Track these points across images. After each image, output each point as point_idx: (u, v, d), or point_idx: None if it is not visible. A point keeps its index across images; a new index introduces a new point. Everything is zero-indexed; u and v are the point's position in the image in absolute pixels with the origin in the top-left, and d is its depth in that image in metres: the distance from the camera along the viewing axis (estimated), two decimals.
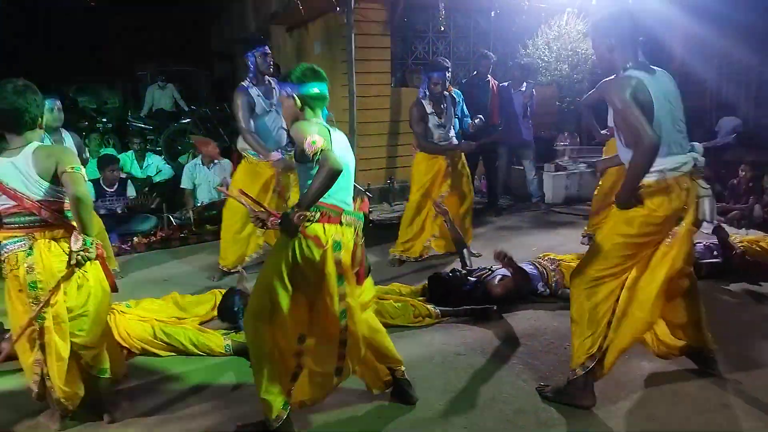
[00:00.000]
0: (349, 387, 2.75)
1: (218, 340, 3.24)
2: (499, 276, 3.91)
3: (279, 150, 4.26)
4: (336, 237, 2.38)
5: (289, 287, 2.37)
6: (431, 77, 4.58)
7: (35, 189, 2.37)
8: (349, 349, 2.47)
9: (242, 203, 2.63)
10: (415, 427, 2.58)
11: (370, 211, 2.60)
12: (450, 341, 3.39)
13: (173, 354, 3.25)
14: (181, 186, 6.23)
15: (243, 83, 4.29)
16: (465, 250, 4.38)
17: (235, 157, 5.56)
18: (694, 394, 2.77)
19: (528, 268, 3.97)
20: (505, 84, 6.37)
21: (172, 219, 5.84)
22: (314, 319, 2.45)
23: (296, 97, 2.46)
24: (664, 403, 2.71)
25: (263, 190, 4.30)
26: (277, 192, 4.36)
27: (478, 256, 4.64)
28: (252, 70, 4.28)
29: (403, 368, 2.72)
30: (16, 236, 2.40)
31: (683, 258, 2.58)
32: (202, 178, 6.16)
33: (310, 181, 2.32)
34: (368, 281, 2.61)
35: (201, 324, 3.53)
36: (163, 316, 3.48)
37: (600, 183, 5.01)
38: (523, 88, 6.31)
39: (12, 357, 2.75)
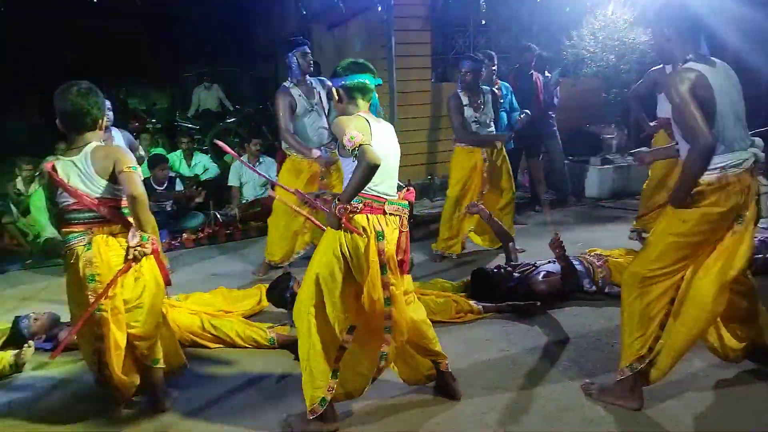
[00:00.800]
0: (392, 380, 2.78)
1: (263, 332, 3.32)
2: (544, 272, 3.85)
3: (320, 147, 4.31)
4: (379, 227, 2.42)
5: (338, 279, 2.41)
6: (461, 67, 4.54)
7: (94, 187, 2.48)
8: (394, 337, 2.49)
9: (288, 194, 2.76)
10: (458, 421, 2.57)
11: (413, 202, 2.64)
12: (492, 337, 3.37)
13: (221, 346, 3.35)
14: (228, 184, 6.40)
15: (285, 84, 4.36)
16: (511, 244, 4.33)
17: (280, 156, 5.66)
18: (749, 395, 2.66)
19: (573, 264, 3.89)
20: (549, 76, 6.25)
21: (218, 216, 6.00)
22: (360, 308, 2.48)
23: (340, 90, 2.51)
24: (717, 404, 2.62)
25: (309, 183, 4.37)
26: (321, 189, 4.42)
27: (521, 252, 4.57)
28: (293, 70, 4.35)
29: (447, 362, 2.72)
30: (76, 231, 2.52)
31: (743, 257, 2.46)
32: (248, 176, 6.31)
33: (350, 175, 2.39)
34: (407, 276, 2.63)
35: (247, 317, 3.63)
36: (211, 309, 3.59)
37: (649, 176, 4.86)
38: (549, 77, 6.18)
39: (72, 347, 2.89)
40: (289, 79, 4.38)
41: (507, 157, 4.84)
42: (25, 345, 3.22)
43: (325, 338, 2.44)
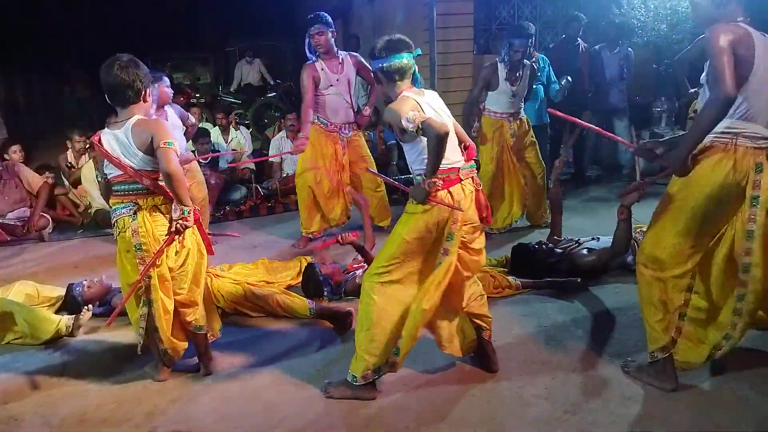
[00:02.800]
0: (430, 350, 2.80)
1: (303, 303, 3.38)
2: (587, 249, 3.77)
3: (345, 125, 4.43)
4: (458, 197, 2.45)
5: (417, 252, 2.46)
6: (512, 44, 4.42)
7: (134, 159, 2.54)
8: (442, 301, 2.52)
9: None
10: (494, 394, 2.58)
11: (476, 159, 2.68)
12: (531, 313, 3.34)
13: (262, 315, 3.43)
14: (269, 159, 6.48)
15: (311, 57, 4.38)
16: (559, 218, 4.22)
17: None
18: None
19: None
20: (596, 47, 6.02)
21: (260, 189, 6.13)
22: (424, 277, 2.51)
23: (379, 73, 2.49)
24: (756, 386, 2.53)
25: (333, 157, 4.48)
26: (347, 163, 4.53)
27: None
28: (309, 48, 4.37)
29: (490, 330, 2.72)
30: (123, 202, 2.60)
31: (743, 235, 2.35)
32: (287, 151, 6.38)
33: (419, 156, 2.42)
34: None
35: (287, 288, 3.70)
36: (253, 279, 3.69)
37: None
38: (617, 50, 5.95)
39: (123, 313, 3.02)
40: (313, 53, 4.39)
41: (533, 132, 4.74)
42: (84, 308, 3.39)
43: (390, 311, 2.47)
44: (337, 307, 3.36)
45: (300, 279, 3.82)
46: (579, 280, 3.59)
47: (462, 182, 2.49)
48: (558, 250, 3.81)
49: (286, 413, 2.51)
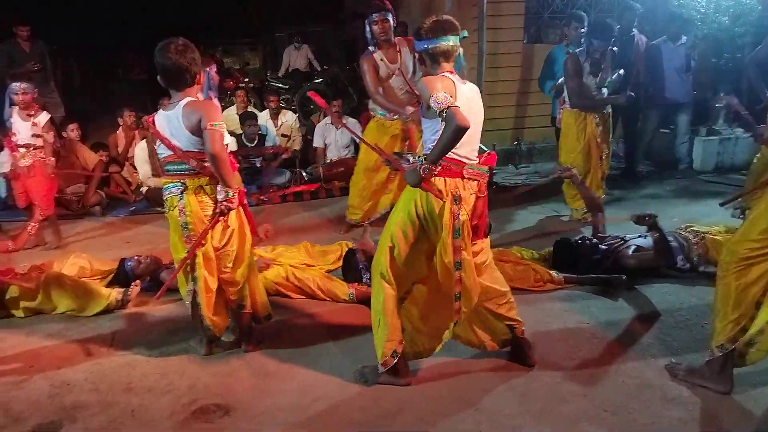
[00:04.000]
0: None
1: (343, 287, 3.42)
2: (634, 246, 3.66)
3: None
4: (456, 191, 2.40)
5: (409, 238, 2.44)
6: (592, 44, 4.38)
7: (183, 140, 2.61)
8: (463, 302, 2.49)
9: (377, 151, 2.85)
10: (530, 388, 2.55)
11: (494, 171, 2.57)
12: (572, 308, 3.28)
13: (302, 297, 3.49)
14: (313, 145, 6.55)
15: (369, 48, 4.36)
16: (600, 215, 4.15)
17: (364, 117, 5.70)
18: None
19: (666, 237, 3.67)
20: (656, 41, 5.80)
21: (303, 174, 6.20)
22: (432, 270, 2.49)
23: (423, 54, 2.47)
24: None
25: (391, 146, 4.41)
26: (406, 148, 4.45)
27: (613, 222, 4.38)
28: (369, 38, 4.34)
29: (523, 327, 2.69)
30: (172, 181, 2.69)
31: None
32: (331, 137, 6.43)
33: (433, 135, 2.36)
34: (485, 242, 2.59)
35: (327, 272, 3.75)
36: (295, 262, 3.75)
37: (761, 152, 4.45)
38: (684, 40, 5.73)
39: (173, 288, 3.12)
40: (372, 43, 4.36)
41: (611, 124, 4.64)
42: (133, 284, 3.52)
43: (394, 295, 2.49)
44: None
45: (340, 264, 3.86)
46: (624, 277, 3.50)
47: (464, 179, 2.43)
48: (603, 247, 3.72)
49: (320, 394, 2.55)
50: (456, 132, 2.23)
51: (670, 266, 3.65)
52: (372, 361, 2.65)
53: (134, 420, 2.41)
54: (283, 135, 6.92)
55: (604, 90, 4.55)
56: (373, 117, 4.49)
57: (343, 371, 2.71)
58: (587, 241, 3.78)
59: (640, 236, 3.77)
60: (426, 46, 2.43)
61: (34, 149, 4.47)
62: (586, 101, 4.49)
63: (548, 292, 3.48)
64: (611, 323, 3.10)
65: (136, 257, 3.77)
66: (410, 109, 4.20)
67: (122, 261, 3.76)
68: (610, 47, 4.48)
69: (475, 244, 2.51)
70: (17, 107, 4.46)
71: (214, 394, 2.58)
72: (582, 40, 4.67)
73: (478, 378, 2.64)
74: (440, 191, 2.38)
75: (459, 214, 2.40)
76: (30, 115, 4.45)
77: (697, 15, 6.50)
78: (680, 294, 3.40)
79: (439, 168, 2.37)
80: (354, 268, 3.66)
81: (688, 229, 3.84)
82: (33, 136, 4.45)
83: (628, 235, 3.79)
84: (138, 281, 3.58)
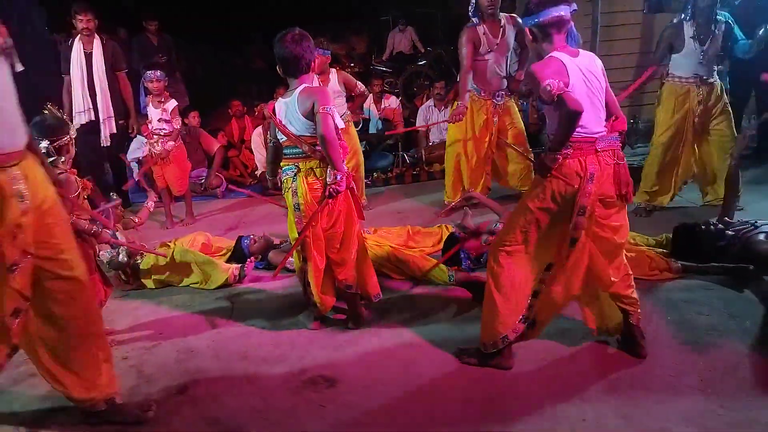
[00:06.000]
0: (576, 327, 2.72)
1: (443, 270, 3.44)
2: (766, 233, 3.33)
3: (498, 93, 4.31)
4: (591, 169, 2.33)
5: (542, 222, 2.41)
6: (696, 6, 3.95)
7: (298, 125, 2.74)
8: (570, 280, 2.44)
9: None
10: (641, 380, 2.43)
11: (623, 133, 2.46)
12: (691, 299, 3.06)
13: (403, 278, 3.55)
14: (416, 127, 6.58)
15: (473, 20, 4.28)
16: (737, 197, 3.81)
17: (452, 94, 5.62)
18: None
19: None
20: None
21: (405, 157, 6.26)
22: (561, 249, 2.45)
23: (534, 29, 2.40)
24: None
25: (484, 126, 4.41)
26: (495, 132, 4.44)
27: (740, 209, 4.00)
28: (473, 10, 4.25)
29: (638, 314, 2.56)
30: (288, 164, 2.85)
31: None
32: (433, 119, 6.41)
33: (555, 121, 2.33)
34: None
35: (428, 254, 3.78)
36: (397, 243, 3.82)
37: None
38: None
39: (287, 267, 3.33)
40: (476, 16, 4.28)
41: (727, 101, 4.19)
42: (248, 260, 3.79)
43: (518, 279, 2.46)
44: (476, 276, 3.36)
45: (441, 246, 3.87)
46: (752, 267, 3.19)
47: (598, 154, 2.34)
48: (729, 233, 3.41)
49: (421, 372, 2.61)
50: (570, 118, 2.20)
51: None
52: (472, 343, 2.66)
53: (251, 385, 2.60)
54: (385, 119, 7.01)
55: (714, 67, 4.08)
56: (469, 91, 4.41)
57: (443, 352, 2.74)
58: (712, 227, 3.49)
59: None
60: (536, 19, 2.36)
61: (165, 135, 4.90)
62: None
63: (665, 281, 3.27)
64: (734, 316, 2.85)
65: (251, 236, 4.03)
66: (459, 111, 4.19)
67: (240, 239, 4.04)
68: (726, 19, 3.98)
69: (618, 215, 2.43)
70: (151, 95, 4.91)
71: (322, 366, 2.71)
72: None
73: (584, 366, 2.55)
74: (576, 173, 2.32)
75: (592, 192, 2.33)
76: (160, 102, 4.88)
77: None
78: None
79: (571, 150, 2.32)
80: (454, 252, 3.66)
81: None
82: (161, 120, 4.87)
83: (760, 221, 3.45)
84: (252, 258, 3.83)
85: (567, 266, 2.43)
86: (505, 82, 4.41)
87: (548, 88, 2.21)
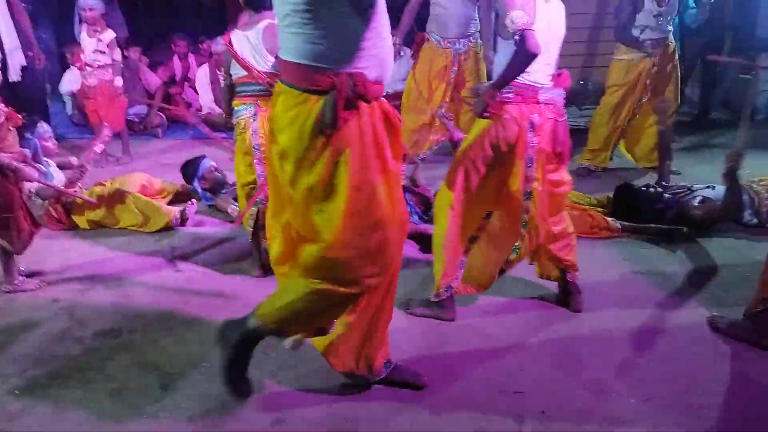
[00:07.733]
0: (522, 278, 2.77)
1: None
2: (700, 197, 3.48)
3: (460, 39, 4.11)
4: (531, 118, 2.30)
5: (480, 169, 2.38)
6: None
7: (261, 61, 2.61)
8: (528, 232, 2.45)
9: None
10: (577, 329, 2.52)
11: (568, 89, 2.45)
12: (629, 257, 3.19)
13: None
14: None
15: None
16: (668, 163, 3.94)
17: (416, 44, 5.37)
18: None
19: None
20: None
21: None
22: (500, 199, 2.44)
23: None
24: None
25: (438, 77, 4.20)
26: (452, 83, 4.23)
27: (677, 174, 4.16)
28: None
29: (577, 273, 2.64)
30: (245, 103, 2.70)
31: None
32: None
33: (507, 58, 2.23)
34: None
35: None
36: None
37: None
38: None
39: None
40: None
41: (678, 64, 4.28)
42: (188, 203, 3.66)
43: (458, 229, 2.46)
44: (424, 228, 3.36)
45: None
46: (686, 229, 3.35)
47: (539, 104, 2.32)
48: (667, 196, 3.55)
49: None
50: (525, 58, 2.12)
51: (736, 220, 3.47)
52: (420, 295, 2.68)
53: (191, 332, 2.53)
54: None
55: (669, 27, 4.12)
56: (428, 40, 4.24)
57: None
58: (651, 189, 3.62)
59: (707, 187, 3.57)
60: None
61: (99, 67, 4.56)
62: (628, 38, 4.12)
63: (604, 239, 3.38)
64: (667, 275, 3.00)
65: (212, 163, 3.89)
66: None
67: (192, 160, 3.89)
68: None
69: (556, 171, 2.44)
70: (85, 24, 4.53)
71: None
72: None
73: (525, 318, 2.63)
74: (514, 119, 2.29)
75: (535, 142, 2.31)
76: (96, 32, 4.52)
77: None
78: (742, 249, 3.25)
79: (512, 95, 2.27)
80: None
81: (761, 183, 3.61)
82: (96, 51, 4.52)
83: (695, 185, 3.60)
84: (194, 200, 3.70)
85: (509, 215, 2.43)
86: (471, 26, 4.13)
87: (516, 18, 2.11)
